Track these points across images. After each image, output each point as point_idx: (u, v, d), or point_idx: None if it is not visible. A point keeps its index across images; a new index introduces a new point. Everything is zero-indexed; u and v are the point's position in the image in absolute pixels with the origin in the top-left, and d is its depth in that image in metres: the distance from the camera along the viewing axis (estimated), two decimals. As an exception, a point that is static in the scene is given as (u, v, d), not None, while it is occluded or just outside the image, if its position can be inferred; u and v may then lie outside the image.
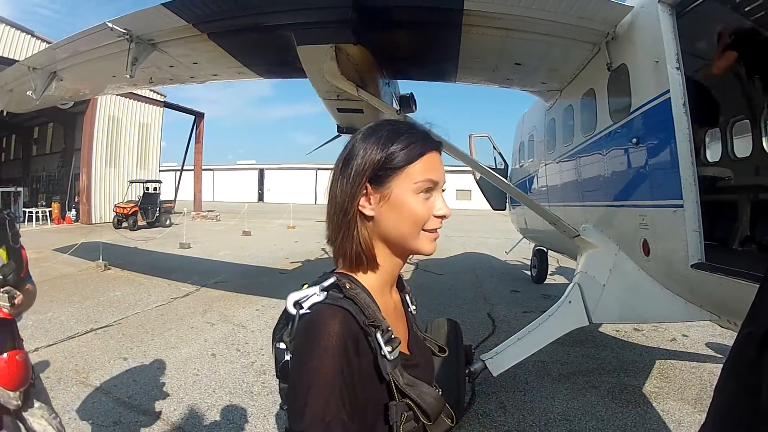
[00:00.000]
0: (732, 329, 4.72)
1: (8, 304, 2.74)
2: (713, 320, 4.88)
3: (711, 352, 8.16)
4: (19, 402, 2.90)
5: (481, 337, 8.88)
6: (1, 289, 2.75)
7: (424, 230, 1.43)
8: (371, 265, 1.47)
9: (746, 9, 5.54)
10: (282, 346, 1.38)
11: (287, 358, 1.35)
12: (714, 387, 1.39)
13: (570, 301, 6.16)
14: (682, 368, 7.50)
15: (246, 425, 5.56)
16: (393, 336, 1.34)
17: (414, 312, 1.73)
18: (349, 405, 1.21)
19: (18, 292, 2.79)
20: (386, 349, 1.30)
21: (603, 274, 6.01)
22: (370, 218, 1.43)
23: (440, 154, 1.50)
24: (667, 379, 7.08)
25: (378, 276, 1.49)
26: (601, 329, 9.26)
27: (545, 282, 14.60)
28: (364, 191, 1.41)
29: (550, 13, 5.01)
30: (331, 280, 1.37)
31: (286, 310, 1.38)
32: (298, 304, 1.34)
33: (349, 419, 1.20)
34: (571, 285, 6.36)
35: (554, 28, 5.33)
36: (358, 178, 1.40)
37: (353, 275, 1.45)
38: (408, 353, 1.49)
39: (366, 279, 1.46)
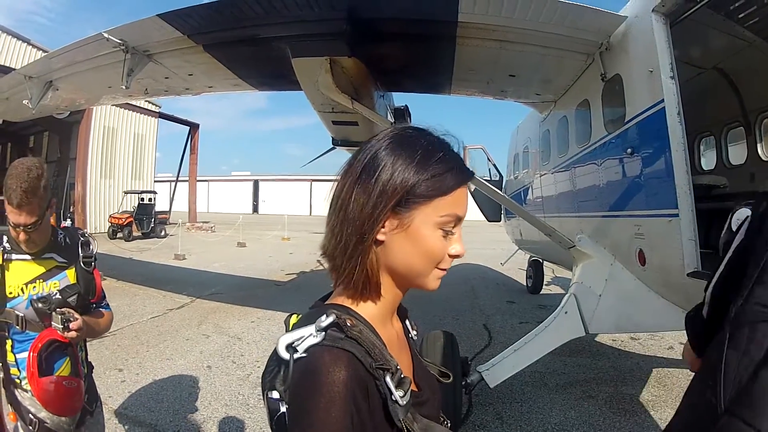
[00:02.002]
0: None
1: (60, 326, 2.60)
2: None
3: (708, 360, 8.07)
4: (71, 429, 2.79)
5: (477, 349, 8.85)
6: (58, 310, 2.64)
7: (436, 268, 1.29)
8: (374, 294, 1.30)
9: (740, 16, 5.59)
10: (275, 395, 1.18)
11: (283, 410, 1.16)
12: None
13: (566, 312, 6.16)
14: (680, 376, 7.48)
15: (242, 439, 5.53)
16: (403, 376, 1.18)
17: (414, 338, 1.60)
18: None
19: (76, 316, 2.65)
20: (397, 393, 1.14)
21: (599, 285, 6.01)
22: (380, 242, 1.26)
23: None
24: (664, 388, 7.07)
25: (380, 306, 1.32)
26: (597, 338, 9.24)
27: (541, 292, 14.59)
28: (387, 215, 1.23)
29: (545, 25, 5.04)
30: (330, 319, 1.16)
31: (276, 354, 1.19)
32: (291, 348, 1.16)
33: None
34: (567, 295, 6.35)
35: (548, 40, 5.36)
36: (384, 200, 1.21)
37: (352, 306, 1.29)
38: (417, 389, 1.33)
39: (367, 309, 1.30)
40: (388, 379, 1.15)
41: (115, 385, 6.74)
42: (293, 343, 1.16)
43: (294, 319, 1.36)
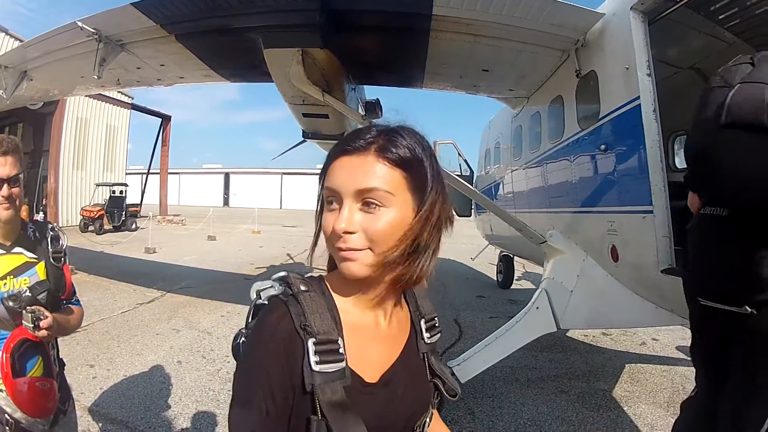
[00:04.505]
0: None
1: (31, 325, 2.49)
2: (685, 324, 4.92)
3: (682, 356, 8.21)
4: (46, 428, 2.72)
5: (448, 343, 8.83)
6: (29, 308, 2.53)
7: (338, 249, 1.25)
8: (341, 276, 1.30)
9: (720, 17, 5.62)
10: (244, 330, 1.35)
11: (239, 341, 1.34)
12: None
13: (537, 307, 6.18)
14: (653, 372, 7.55)
15: (213, 436, 5.48)
16: (336, 350, 1.21)
17: (428, 341, 1.54)
18: (272, 402, 1.18)
19: (46, 314, 2.54)
20: (313, 358, 1.17)
21: (570, 280, 6.03)
22: None
23: (360, 156, 1.25)
24: (638, 383, 7.12)
25: (351, 288, 1.33)
26: (569, 334, 9.28)
27: (511, 287, 14.65)
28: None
29: (520, 20, 5.03)
30: (281, 275, 1.33)
31: (250, 298, 1.36)
32: (258, 293, 1.32)
33: (271, 415, 1.18)
34: (538, 291, 6.38)
35: (524, 35, 5.35)
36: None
37: (328, 280, 1.37)
38: (370, 380, 1.30)
39: (338, 287, 1.34)
40: (310, 342, 1.19)
41: (87, 381, 6.65)
42: (260, 290, 1.32)
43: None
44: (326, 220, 1.27)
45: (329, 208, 1.26)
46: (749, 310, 2.56)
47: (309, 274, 1.41)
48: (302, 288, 1.27)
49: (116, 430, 5.47)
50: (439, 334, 1.59)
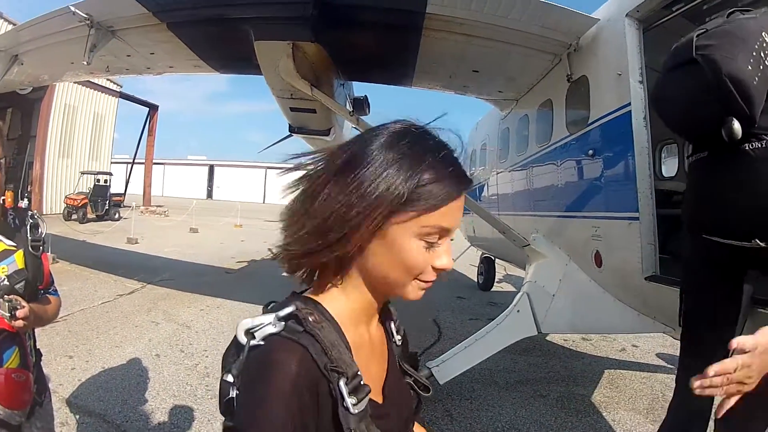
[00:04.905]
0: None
1: (8, 314, 2.39)
2: (667, 332, 4.94)
3: (662, 363, 8.26)
4: (23, 420, 2.67)
5: (426, 344, 8.81)
6: (6, 297, 2.44)
7: (417, 279, 1.18)
8: (347, 294, 1.21)
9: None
10: (229, 378, 1.11)
11: (232, 394, 1.10)
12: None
13: (518, 310, 6.18)
14: (633, 378, 7.57)
15: (190, 431, 5.44)
16: (361, 383, 1.09)
17: (398, 342, 1.49)
18: None
19: (23, 303, 2.45)
20: (350, 401, 1.05)
21: (552, 284, 6.04)
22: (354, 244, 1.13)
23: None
24: (617, 389, 7.14)
25: (352, 307, 1.22)
26: (549, 338, 9.29)
27: (492, 290, 14.68)
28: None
29: (514, 21, 5.03)
30: (290, 309, 1.11)
31: (236, 338, 1.13)
32: (249, 333, 1.10)
33: None
34: (519, 294, 6.38)
35: (517, 37, 5.35)
36: (369, 209, 1.08)
37: (323, 301, 1.19)
38: (380, 401, 1.23)
39: (337, 308, 1.19)
40: (341, 383, 1.06)
41: (66, 372, 6.60)
42: (252, 329, 1.10)
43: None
44: (420, 255, 1.13)
45: (426, 242, 1.13)
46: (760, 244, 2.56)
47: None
48: (313, 319, 1.11)
49: (94, 423, 5.42)
50: (403, 332, 1.53)
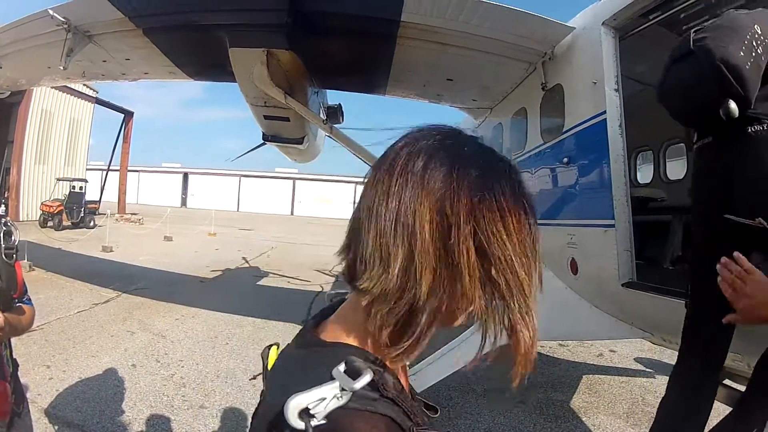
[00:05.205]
0: (665, 346, 4.80)
1: None
2: (646, 338, 4.94)
3: (641, 367, 8.27)
4: (3, 430, 2.59)
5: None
6: None
7: None
8: (409, 338, 0.96)
9: (694, 37, 5.68)
10: None
11: None
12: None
13: (494, 318, 6.15)
14: (611, 383, 7.59)
15: (166, 441, 5.41)
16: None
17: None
18: None
19: None
20: None
21: (527, 292, 6.02)
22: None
23: None
24: (596, 394, 7.15)
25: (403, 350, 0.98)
26: (525, 344, 9.23)
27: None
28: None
29: (489, 30, 5.06)
30: (367, 378, 0.87)
31: (283, 421, 0.85)
32: (306, 414, 0.83)
33: None
34: (494, 302, 6.35)
35: (491, 46, 5.37)
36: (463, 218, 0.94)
37: (370, 348, 1.01)
38: None
39: (381, 348, 0.99)
40: None
41: (44, 382, 6.59)
42: (309, 406, 0.84)
43: (274, 352, 1.15)
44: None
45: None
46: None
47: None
48: (393, 384, 0.95)
49: (72, 434, 5.40)
50: None
